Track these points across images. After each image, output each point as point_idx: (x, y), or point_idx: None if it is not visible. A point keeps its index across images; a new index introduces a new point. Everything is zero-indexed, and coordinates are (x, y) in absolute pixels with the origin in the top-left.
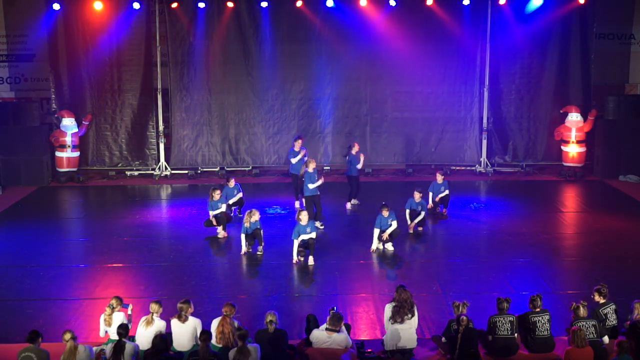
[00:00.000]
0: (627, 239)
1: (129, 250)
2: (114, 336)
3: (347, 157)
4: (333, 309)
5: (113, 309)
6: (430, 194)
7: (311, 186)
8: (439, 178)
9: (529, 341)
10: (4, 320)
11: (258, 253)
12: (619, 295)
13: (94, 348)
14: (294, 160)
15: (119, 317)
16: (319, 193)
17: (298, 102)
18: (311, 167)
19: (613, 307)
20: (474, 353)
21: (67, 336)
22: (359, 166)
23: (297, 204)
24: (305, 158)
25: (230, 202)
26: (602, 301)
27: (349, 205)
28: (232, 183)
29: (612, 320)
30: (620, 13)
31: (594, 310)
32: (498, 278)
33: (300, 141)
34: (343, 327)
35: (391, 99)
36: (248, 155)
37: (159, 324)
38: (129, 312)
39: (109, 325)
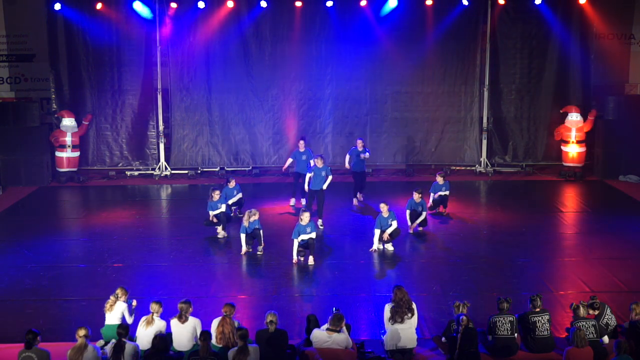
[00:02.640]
0: (627, 239)
1: (129, 250)
2: (110, 322)
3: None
4: (337, 310)
5: (117, 298)
6: (432, 195)
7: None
8: (440, 179)
9: (529, 341)
10: (4, 320)
11: (258, 253)
12: (619, 295)
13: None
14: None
15: (121, 307)
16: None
17: (298, 102)
18: (320, 163)
19: (608, 310)
20: (474, 353)
21: (82, 332)
22: (365, 156)
23: (292, 201)
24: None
25: (230, 202)
26: (597, 313)
27: (355, 201)
28: (232, 184)
29: (612, 324)
30: (620, 13)
31: (595, 324)
32: (498, 278)
33: (302, 142)
34: (344, 328)
35: (391, 99)
36: (248, 155)
37: (159, 324)
38: (133, 306)
39: (109, 311)
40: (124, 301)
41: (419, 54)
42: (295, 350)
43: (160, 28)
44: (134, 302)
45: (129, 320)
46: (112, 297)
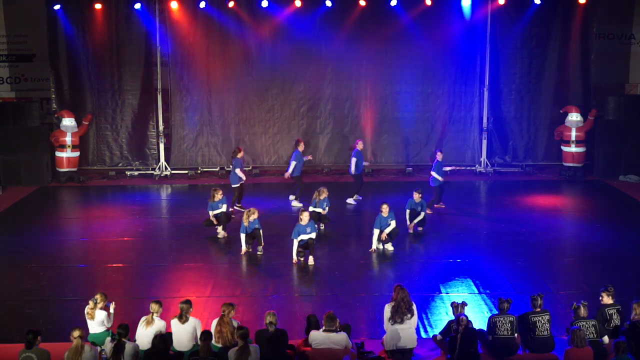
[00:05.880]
0: (627, 239)
1: (129, 250)
2: (94, 330)
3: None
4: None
5: (96, 304)
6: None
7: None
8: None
9: (529, 341)
10: (4, 320)
11: (258, 253)
12: (618, 295)
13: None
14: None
15: (100, 315)
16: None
17: (298, 102)
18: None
19: (619, 308)
20: (474, 353)
21: (76, 333)
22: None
23: (295, 200)
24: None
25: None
26: (610, 302)
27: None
28: (241, 154)
29: (616, 320)
30: (620, 13)
31: (600, 309)
32: (498, 278)
33: (301, 143)
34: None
35: (391, 99)
36: (248, 155)
37: (159, 324)
38: (111, 310)
39: (91, 318)
40: (102, 307)
41: (419, 54)
42: (295, 350)
43: (160, 28)
44: (113, 304)
45: (108, 326)
46: (91, 303)
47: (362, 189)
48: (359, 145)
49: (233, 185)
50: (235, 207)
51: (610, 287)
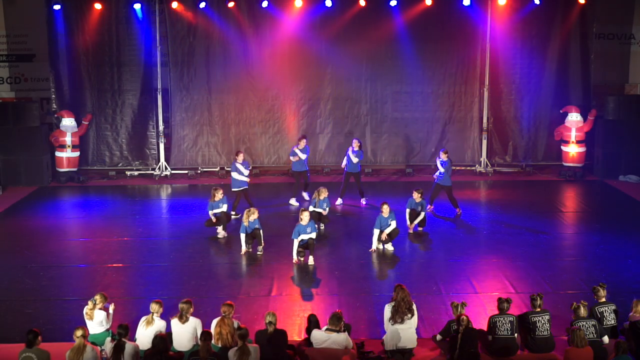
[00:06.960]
0: (627, 239)
1: (129, 250)
2: (93, 330)
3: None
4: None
5: (95, 305)
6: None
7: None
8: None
9: (529, 341)
10: (4, 320)
11: (258, 253)
12: (619, 296)
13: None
14: (293, 159)
15: (99, 316)
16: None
17: (298, 102)
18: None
19: (612, 307)
20: (474, 353)
21: (79, 333)
22: (354, 160)
23: (292, 201)
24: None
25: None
26: (601, 300)
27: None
28: (240, 158)
29: (609, 320)
30: (620, 13)
31: (591, 308)
32: (498, 278)
33: (304, 140)
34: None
35: (391, 99)
36: (248, 155)
37: (159, 324)
38: (110, 311)
39: (90, 319)
40: (101, 308)
41: (419, 54)
42: (295, 350)
43: (160, 28)
44: (112, 306)
45: (107, 326)
46: (90, 303)
47: (359, 189)
48: (355, 145)
49: (233, 189)
50: (232, 216)
51: (596, 287)
